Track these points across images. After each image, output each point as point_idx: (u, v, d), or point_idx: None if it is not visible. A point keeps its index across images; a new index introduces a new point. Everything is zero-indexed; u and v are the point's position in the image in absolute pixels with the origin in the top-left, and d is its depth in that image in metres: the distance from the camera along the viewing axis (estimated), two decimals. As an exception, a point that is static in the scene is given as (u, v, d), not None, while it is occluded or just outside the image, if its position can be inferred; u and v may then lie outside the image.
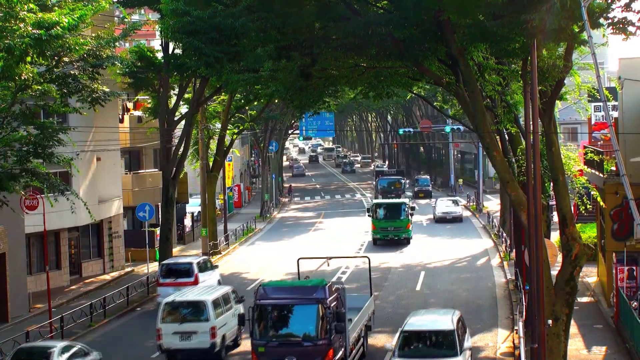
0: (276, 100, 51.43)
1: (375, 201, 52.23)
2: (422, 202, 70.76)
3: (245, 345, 27.04)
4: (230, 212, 65.04)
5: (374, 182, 78.39)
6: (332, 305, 23.02)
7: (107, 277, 42.37)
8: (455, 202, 61.96)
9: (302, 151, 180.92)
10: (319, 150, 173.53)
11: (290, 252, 47.74)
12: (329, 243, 51.65)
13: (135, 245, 45.85)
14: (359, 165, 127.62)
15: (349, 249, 48.13)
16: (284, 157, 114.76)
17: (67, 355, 23.57)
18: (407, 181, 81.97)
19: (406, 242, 49.27)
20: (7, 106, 27.75)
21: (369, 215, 50.76)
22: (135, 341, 29.65)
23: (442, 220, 58.77)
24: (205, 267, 35.71)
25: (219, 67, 33.26)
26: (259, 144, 73.09)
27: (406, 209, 49.21)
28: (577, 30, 20.46)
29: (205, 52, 31.76)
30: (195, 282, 33.82)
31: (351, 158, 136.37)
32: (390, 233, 49.16)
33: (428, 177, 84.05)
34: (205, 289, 29.29)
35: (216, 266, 38.19)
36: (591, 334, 27.47)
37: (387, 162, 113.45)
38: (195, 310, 26.64)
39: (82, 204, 32.86)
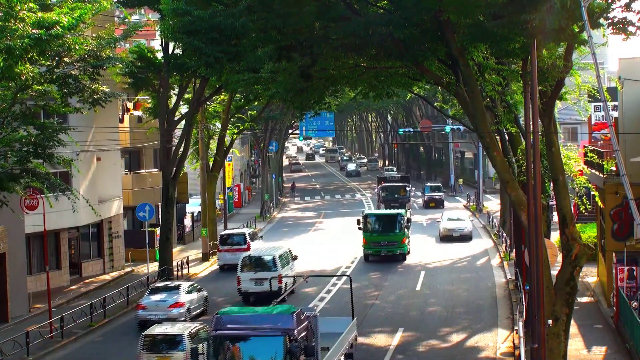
0: (276, 100, 51.49)
1: (366, 212, 46.22)
2: (434, 216, 61.13)
3: (299, 291, 36.03)
4: (230, 212, 65.05)
5: (376, 189, 68.65)
6: (300, 336, 19.89)
7: (107, 277, 42.37)
8: (464, 216, 53.97)
9: (300, 149, 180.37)
10: (320, 151, 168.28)
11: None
12: (329, 243, 51.66)
13: (135, 245, 45.85)
14: (365, 168, 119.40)
15: (349, 249, 48.08)
16: (284, 157, 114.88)
17: (189, 289, 32.36)
18: (413, 188, 72.75)
19: (402, 258, 43.45)
20: (8, 106, 27.75)
21: (359, 228, 44.54)
22: (136, 341, 29.59)
23: (448, 238, 50.17)
24: (253, 237, 45.19)
25: (219, 67, 33.32)
26: (259, 144, 73.10)
27: (401, 220, 43.39)
28: (577, 30, 20.46)
29: (205, 52, 31.80)
30: (248, 249, 41.81)
31: (356, 160, 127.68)
32: (384, 248, 43.30)
33: (440, 184, 74.60)
34: (272, 248, 38.51)
35: (261, 237, 48.42)
36: (591, 334, 27.47)
37: (395, 167, 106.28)
38: (269, 261, 35.27)
39: (84, 202, 32.87)
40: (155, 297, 31.63)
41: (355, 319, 25.01)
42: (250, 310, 21.26)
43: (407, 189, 64.64)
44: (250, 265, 35.24)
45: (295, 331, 19.72)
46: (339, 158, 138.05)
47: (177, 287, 32.06)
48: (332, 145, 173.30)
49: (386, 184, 65.76)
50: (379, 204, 63.37)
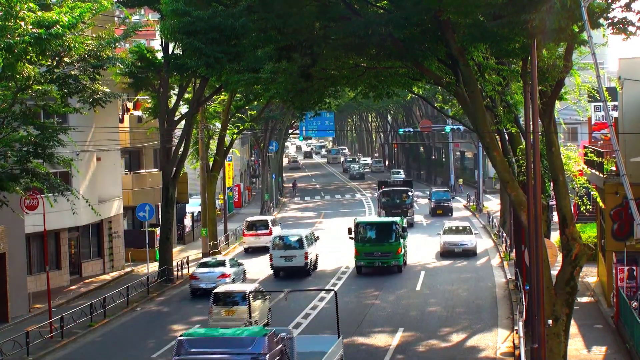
0: (276, 100, 51.54)
1: (358, 220, 41.96)
2: (442, 226, 49.53)
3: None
4: (230, 212, 65.07)
5: (376, 194, 64.39)
6: None
7: (107, 277, 42.37)
8: (467, 229, 46.32)
9: (299, 148, 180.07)
10: (322, 152, 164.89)
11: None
12: (329, 243, 51.63)
13: (135, 245, 45.86)
14: (369, 170, 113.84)
15: (349, 249, 48.01)
16: (284, 157, 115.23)
17: (231, 263, 38.26)
18: (416, 194, 67.84)
19: (397, 269, 40.06)
20: (8, 106, 27.74)
21: (350, 238, 41.43)
22: (136, 341, 29.66)
23: (450, 254, 44.36)
24: (274, 223, 51.83)
25: (219, 68, 33.34)
26: (259, 144, 73.13)
27: (397, 229, 39.97)
28: (577, 30, 20.46)
29: (205, 52, 31.81)
30: (270, 233, 48.46)
31: (361, 162, 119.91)
32: (377, 259, 39.74)
33: (448, 189, 70.35)
34: (298, 230, 45.55)
35: (280, 224, 55.22)
36: (591, 334, 27.47)
37: (402, 169, 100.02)
38: (296, 241, 40.63)
39: (84, 203, 32.87)
40: (205, 270, 37.25)
41: (341, 337, 22.12)
42: (217, 333, 19.37)
43: (410, 194, 58.92)
44: (280, 245, 41.02)
45: (267, 356, 17.77)
46: (342, 159, 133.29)
47: (223, 262, 38.25)
48: (333, 145, 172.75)
49: (387, 189, 60.31)
50: (379, 210, 58.96)
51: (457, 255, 43.71)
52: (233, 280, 36.62)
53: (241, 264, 39.89)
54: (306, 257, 40.49)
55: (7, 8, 24.23)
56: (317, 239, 43.67)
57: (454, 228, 46.19)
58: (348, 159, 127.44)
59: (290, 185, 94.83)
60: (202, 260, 39.62)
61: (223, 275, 36.83)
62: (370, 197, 79.34)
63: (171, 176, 41.52)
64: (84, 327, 31.26)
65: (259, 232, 49.85)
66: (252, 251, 49.28)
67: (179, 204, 50.61)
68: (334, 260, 44.84)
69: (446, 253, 44.37)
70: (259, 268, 43.19)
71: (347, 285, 38.20)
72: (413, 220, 57.77)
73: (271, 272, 40.98)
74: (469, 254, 43.93)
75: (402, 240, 40.29)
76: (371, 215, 64.90)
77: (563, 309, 21.35)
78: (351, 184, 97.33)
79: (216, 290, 30.52)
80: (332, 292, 24.33)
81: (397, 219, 41.73)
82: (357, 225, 40.92)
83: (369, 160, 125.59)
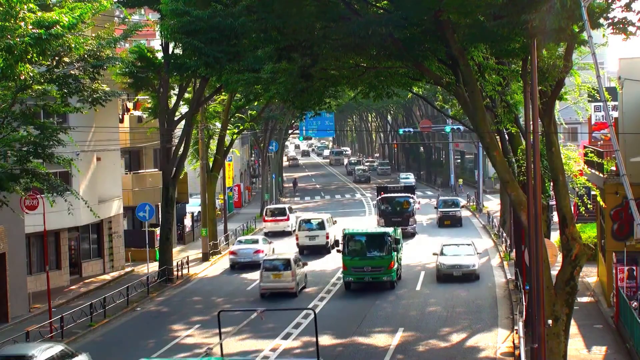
0: (276, 100, 51.53)
1: (347, 231, 38.10)
2: (452, 239, 44.50)
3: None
4: (230, 212, 65.07)
5: (374, 201, 59.74)
6: None
7: (107, 277, 42.37)
8: (469, 247, 39.43)
9: (297, 147, 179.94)
10: (325, 152, 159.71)
11: (290, 252, 47.84)
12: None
13: (135, 245, 45.86)
14: (375, 172, 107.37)
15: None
16: (284, 157, 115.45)
17: (263, 242, 45.29)
18: (418, 200, 60.48)
19: (389, 286, 36.62)
20: (8, 106, 27.75)
21: (338, 251, 38.64)
22: (136, 341, 29.66)
23: (447, 278, 37.78)
24: (290, 210, 58.37)
25: (218, 67, 33.28)
26: (259, 144, 73.10)
27: (389, 241, 36.47)
28: (577, 30, 20.45)
29: (205, 52, 31.76)
30: (287, 219, 55.99)
31: (365, 164, 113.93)
32: (367, 275, 36.23)
33: (456, 197, 64.06)
34: (320, 214, 51.99)
35: (295, 211, 61.03)
36: (591, 334, 27.47)
37: (412, 175, 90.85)
38: (318, 223, 47.50)
39: (82, 203, 32.86)
40: (242, 247, 44.13)
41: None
42: None
43: (411, 201, 53.95)
44: (305, 227, 47.74)
45: None
46: (346, 161, 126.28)
47: (257, 240, 45.27)
48: (333, 145, 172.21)
49: (386, 195, 55.32)
50: (378, 218, 54.50)
51: (456, 280, 37.32)
52: (265, 255, 41.75)
53: (270, 242, 46.61)
54: (327, 237, 47.54)
55: (7, 8, 24.22)
56: (335, 222, 50.60)
57: (452, 246, 39.57)
58: (352, 161, 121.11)
59: (291, 184, 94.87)
60: (238, 239, 46.86)
61: (257, 251, 43.37)
62: (370, 197, 79.31)
63: (171, 176, 41.53)
64: (84, 327, 31.26)
65: (277, 218, 56.51)
66: (272, 235, 54.49)
67: (179, 204, 50.61)
68: (334, 260, 44.80)
69: (443, 277, 37.70)
70: (281, 248, 47.87)
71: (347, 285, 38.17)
72: (415, 229, 53.27)
73: (291, 250, 45.71)
74: (470, 277, 37.45)
75: (394, 254, 36.75)
76: (371, 215, 64.85)
77: (563, 309, 21.35)
78: (351, 184, 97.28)
79: (266, 258, 37.54)
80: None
81: (389, 229, 38.01)
82: (345, 236, 37.59)
83: (374, 161, 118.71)
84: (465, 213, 62.46)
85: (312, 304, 34.22)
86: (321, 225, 47.80)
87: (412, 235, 51.95)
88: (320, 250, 47.23)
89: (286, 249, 47.33)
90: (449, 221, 56.30)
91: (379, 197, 55.73)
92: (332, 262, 43.98)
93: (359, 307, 33.26)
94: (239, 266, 43.57)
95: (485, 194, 70.06)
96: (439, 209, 57.73)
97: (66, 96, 31.14)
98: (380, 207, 54.42)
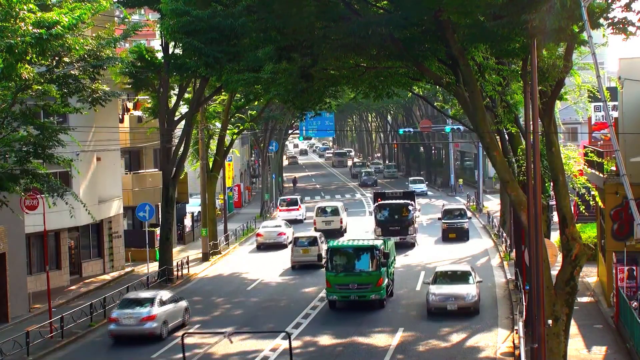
0: (276, 101, 51.54)
1: (330, 244, 34.43)
2: (452, 254, 44.74)
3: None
4: (230, 212, 65.06)
5: (370, 209, 56.23)
6: None
7: (107, 277, 42.35)
8: (466, 276, 32.38)
9: (296, 146, 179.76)
10: (327, 154, 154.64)
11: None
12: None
13: (135, 245, 45.85)
14: (381, 176, 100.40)
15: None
16: (284, 156, 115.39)
17: (286, 226, 52.37)
18: (418, 207, 56.29)
19: (378, 304, 32.82)
20: (8, 106, 27.75)
21: (323, 265, 35.20)
22: (135, 341, 29.62)
23: (440, 312, 31.09)
24: (302, 200, 65.77)
25: (218, 67, 33.33)
26: (259, 144, 73.08)
27: (377, 255, 32.81)
28: (577, 30, 20.46)
29: (204, 52, 31.80)
30: (299, 209, 63.18)
31: (371, 166, 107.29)
32: (353, 292, 32.50)
33: (463, 206, 55.73)
34: (334, 202, 60.24)
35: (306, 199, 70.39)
36: (591, 334, 27.47)
37: (423, 181, 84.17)
38: (333, 210, 54.60)
39: (81, 205, 32.83)
40: (268, 229, 51.02)
41: None
42: None
43: (410, 208, 49.15)
44: (322, 212, 54.37)
45: None
46: (349, 162, 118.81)
47: (280, 225, 52.16)
48: (333, 145, 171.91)
49: (383, 202, 50.69)
50: (375, 227, 49.93)
51: (450, 315, 30.84)
52: (287, 237, 48.86)
53: (290, 227, 52.27)
54: (341, 222, 54.19)
55: (7, 9, 24.22)
56: (346, 209, 58.14)
57: (448, 274, 32.89)
58: (357, 163, 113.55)
59: (291, 184, 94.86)
60: (263, 223, 54.08)
61: (281, 234, 50.54)
62: (370, 196, 79.31)
63: (171, 176, 41.52)
64: (84, 327, 31.25)
65: (290, 207, 63.54)
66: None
67: (179, 204, 50.61)
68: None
69: (435, 311, 31.06)
70: (235, 290, 39.34)
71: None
72: (415, 239, 49.12)
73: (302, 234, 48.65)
74: (468, 311, 30.94)
75: (384, 269, 32.94)
76: (371, 215, 64.78)
77: (563, 309, 21.37)
78: (351, 184, 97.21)
79: (296, 235, 44.87)
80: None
81: (379, 242, 34.21)
82: (329, 250, 33.75)
83: (380, 164, 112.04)
84: (471, 219, 62.17)
85: (312, 304, 34.22)
86: (335, 212, 54.59)
87: (411, 245, 48.26)
88: (334, 233, 52.00)
89: (300, 233, 48.75)
90: (454, 234, 50.06)
91: (376, 204, 51.33)
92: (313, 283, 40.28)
93: (358, 307, 33.21)
94: (264, 246, 50.16)
95: (485, 194, 70.06)
96: (443, 221, 51.12)
97: (66, 96, 31.14)
98: (377, 215, 49.71)
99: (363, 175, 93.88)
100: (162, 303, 29.98)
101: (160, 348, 28.26)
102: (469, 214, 53.33)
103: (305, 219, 62.31)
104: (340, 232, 53.34)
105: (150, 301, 29.69)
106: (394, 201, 50.79)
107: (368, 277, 32.68)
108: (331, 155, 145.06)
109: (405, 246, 47.11)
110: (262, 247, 50.18)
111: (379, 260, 32.84)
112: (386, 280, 33.49)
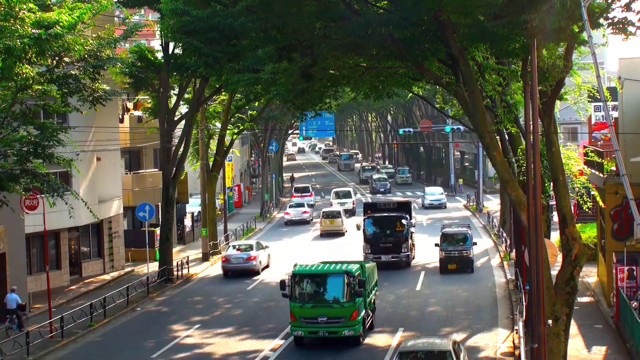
0: (276, 101, 51.52)
1: (296, 268, 28.49)
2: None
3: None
4: (230, 212, 65.05)
5: (358, 223, 45.70)
6: None
7: (107, 277, 42.35)
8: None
9: (294, 144, 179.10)
10: (330, 156, 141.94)
11: (291, 252, 47.90)
12: (329, 242, 51.66)
13: (135, 245, 45.85)
14: (392, 181, 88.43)
15: (349, 247, 48.02)
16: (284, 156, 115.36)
17: (307, 204, 67.09)
18: (414, 221, 46.90)
19: (353, 341, 27.42)
20: (8, 106, 27.75)
21: (283, 295, 28.09)
22: (136, 341, 29.66)
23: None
24: (311, 189, 76.16)
25: (218, 67, 33.34)
26: (259, 144, 73.10)
27: (352, 283, 27.24)
28: (577, 30, 20.46)
29: (204, 51, 31.81)
30: (311, 195, 73.37)
31: (382, 171, 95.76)
32: (322, 328, 27.21)
33: (467, 229, 41.86)
34: (347, 187, 75.24)
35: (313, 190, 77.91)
36: (591, 334, 27.47)
37: (441, 191, 71.34)
38: (345, 194, 67.95)
39: (82, 204, 32.84)
40: (294, 208, 63.07)
41: None
42: None
43: (404, 222, 41.96)
44: (337, 195, 67.50)
45: None
46: (359, 169, 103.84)
47: (303, 204, 63.90)
48: (333, 145, 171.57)
49: (374, 215, 43.20)
50: (364, 244, 42.53)
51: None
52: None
53: (265, 248, 47.00)
54: (353, 204, 66.05)
55: (7, 9, 24.22)
56: (355, 193, 71.25)
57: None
58: (366, 167, 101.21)
59: (289, 184, 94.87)
60: (290, 203, 66.31)
61: (305, 212, 61.66)
62: (370, 196, 79.37)
63: (171, 176, 41.52)
64: (84, 327, 31.25)
65: (303, 194, 73.33)
66: (298, 205, 65.48)
67: (179, 204, 50.59)
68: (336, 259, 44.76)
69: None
70: (235, 290, 38.69)
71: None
72: (410, 258, 42.06)
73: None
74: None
75: (359, 300, 27.44)
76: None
77: (563, 309, 21.36)
78: (351, 184, 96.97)
79: (324, 210, 57.52)
80: None
81: (353, 266, 28.16)
82: (292, 276, 28.00)
83: (390, 168, 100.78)
84: (465, 213, 62.19)
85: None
86: (348, 194, 67.98)
87: (406, 265, 41.64)
88: (348, 214, 61.63)
89: (326, 209, 59.72)
90: (454, 265, 39.72)
91: (365, 216, 43.64)
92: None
93: (387, 265, 32.51)
94: (291, 223, 60.38)
95: (485, 194, 70.05)
96: (441, 248, 40.37)
97: (66, 96, 31.13)
98: (365, 230, 42.46)
99: (374, 181, 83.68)
100: (258, 248, 42.60)
101: (160, 348, 28.27)
102: (473, 238, 41.83)
103: (315, 202, 72.13)
104: (352, 212, 63.40)
105: (251, 247, 42.29)
106: (386, 214, 43.48)
107: (340, 310, 27.14)
108: (336, 158, 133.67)
109: (396, 268, 40.98)
110: (289, 224, 60.54)
111: (354, 288, 27.20)
112: (363, 312, 27.88)
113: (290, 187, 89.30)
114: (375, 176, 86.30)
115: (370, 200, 57.91)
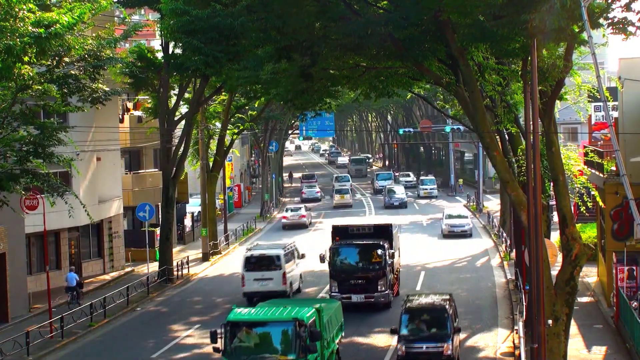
0: (276, 101, 51.51)
1: (232, 315, 21.71)
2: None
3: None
4: (230, 212, 65.04)
5: (323, 252, 34.77)
6: None
7: (107, 277, 42.35)
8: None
9: (292, 142, 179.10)
10: (339, 160, 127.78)
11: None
12: (329, 242, 51.56)
13: (135, 245, 45.85)
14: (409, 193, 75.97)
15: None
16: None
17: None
18: (396, 253, 35.38)
19: None
20: (8, 106, 27.74)
21: (214, 349, 21.66)
22: (136, 341, 29.66)
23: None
24: (316, 176, 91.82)
25: (218, 67, 33.32)
26: (259, 144, 73.10)
27: (300, 335, 20.90)
28: (577, 30, 20.47)
29: (204, 51, 31.80)
30: (316, 181, 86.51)
31: (401, 180, 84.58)
32: None
33: (446, 304, 25.18)
34: (347, 183, 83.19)
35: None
36: (591, 334, 27.47)
37: (468, 217, 54.67)
38: (346, 189, 75.64)
39: (80, 205, 32.84)
40: (307, 190, 79.63)
41: None
42: None
43: (380, 252, 32.47)
44: (336, 191, 74.91)
45: None
46: (371, 173, 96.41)
47: (300, 208, 62.87)
48: (333, 145, 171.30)
49: (344, 242, 33.89)
50: (330, 281, 33.30)
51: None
52: (308, 218, 61.38)
53: (310, 209, 65.46)
54: (351, 187, 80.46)
55: (7, 9, 24.22)
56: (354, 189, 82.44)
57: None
58: (380, 175, 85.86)
59: (289, 184, 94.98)
60: (287, 207, 65.80)
61: (302, 216, 61.38)
62: (371, 196, 79.44)
63: (171, 176, 41.52)
64: (84, 327, 31.27)
65: (310, 180, 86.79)
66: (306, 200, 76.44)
67: (179, 204, 50.59)
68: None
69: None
70: (234, 290, 37.61)
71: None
72: (389, 297, 32.64)
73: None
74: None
75: (312, 357, 21.10)
76: (371, 215, 64.74)
77: (563, 309, 21.36)
78: (364, 199, 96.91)
79: (335, 188, 75.64)
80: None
81: (307, 312, 21.61)
82: (227, 324, 21.37)
83: (410, 177, 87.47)
84: (465, 213, 62.02)
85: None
86: (349, 190, 76.25)
87: (384, 306, 32.55)
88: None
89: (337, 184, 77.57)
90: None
91: (333, 244, 34.14)
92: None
93: (358, 307, 33.13)
94: (288, 227, 60.28)
95: (485, 194, 70.03)
96: (400, 336, 24.77)
97: (66, 96, 31.13)
98: (332, 260, 33.14)
99: (392, 196, 69.80)
100: (306, 209, 61.44)
101: (160, 348, 28.28)
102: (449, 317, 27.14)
103: (310, 221, 61.75)
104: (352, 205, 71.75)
105: (301, 208, 61.18)
106: (359, 241, 33.89)
107: None
108: (342, 162, 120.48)
109: (371, 310, 32.26)
110: (287, 228, 60.13)
111: (305, 341, 20.87)
112: None
113: (289, 182, 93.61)
114: (391, 188, 72.20)
115: (339, 224, 37.13)
